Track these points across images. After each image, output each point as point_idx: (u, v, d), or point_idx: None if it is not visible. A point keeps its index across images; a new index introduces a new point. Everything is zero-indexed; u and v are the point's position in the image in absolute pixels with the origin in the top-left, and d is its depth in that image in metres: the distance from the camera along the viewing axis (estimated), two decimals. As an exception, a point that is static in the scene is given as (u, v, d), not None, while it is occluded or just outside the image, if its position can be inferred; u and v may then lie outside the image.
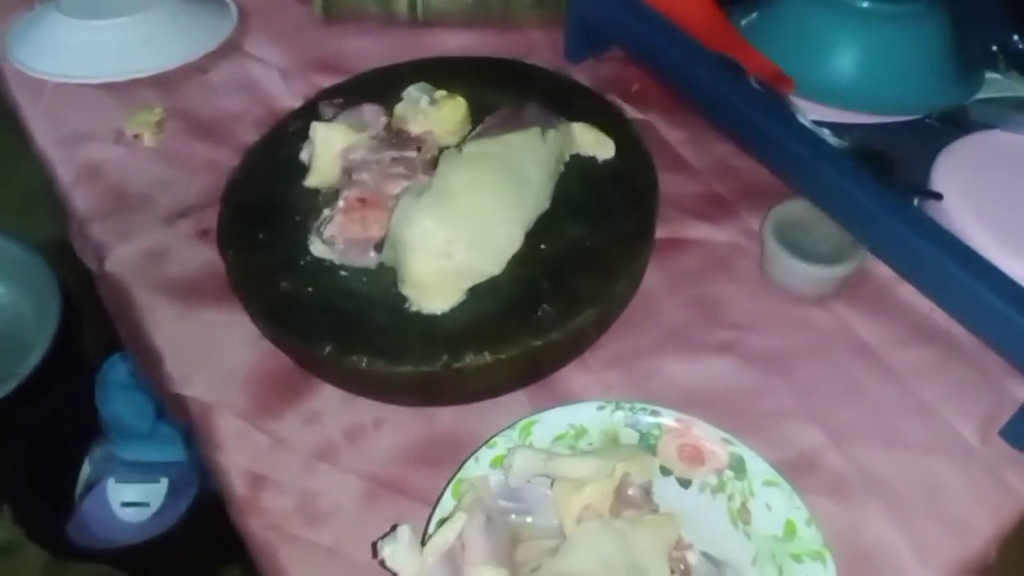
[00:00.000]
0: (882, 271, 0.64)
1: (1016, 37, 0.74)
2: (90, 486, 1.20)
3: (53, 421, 1.24)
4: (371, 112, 0.67)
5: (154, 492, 1.19)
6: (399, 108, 0.67)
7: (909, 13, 0.69)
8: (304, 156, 0.66)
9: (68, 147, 0.76)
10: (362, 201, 0.61)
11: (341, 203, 0.61)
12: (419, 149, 0.64)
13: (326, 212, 0.62)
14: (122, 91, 0.80)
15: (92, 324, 1.32)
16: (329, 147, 0.63)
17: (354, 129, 0.64)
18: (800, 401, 0.58)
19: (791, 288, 0.64)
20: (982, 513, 0.52)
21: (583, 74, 0.82)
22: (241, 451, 0.56)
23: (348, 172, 0.63)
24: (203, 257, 0.66)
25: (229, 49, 0.86)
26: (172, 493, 1.16)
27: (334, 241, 0.60)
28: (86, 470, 1.23)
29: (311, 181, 0.64)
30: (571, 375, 0.60)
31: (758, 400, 0.58)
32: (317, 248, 0.60)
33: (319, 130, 0.63)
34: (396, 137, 0.65)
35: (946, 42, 0.71)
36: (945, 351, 0.60)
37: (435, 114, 0.66)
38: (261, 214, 0.63)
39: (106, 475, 1.20)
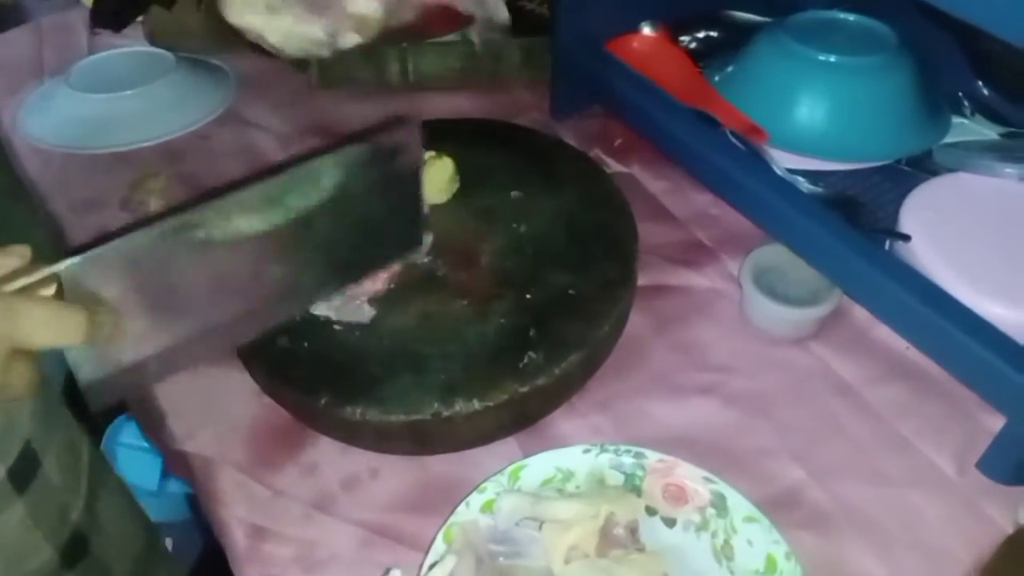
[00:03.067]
0: (858, 312, 0.66)
1: (980, 83, 0.77)
2: (97, 547, 1.21)
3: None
4: (363, 173, 0.69)
5: (159, 551, 1.19)
6: (390, 169, 0.70)
7: (875, 65, 0.72)
8: (300, 217, 0.69)
9: (78, 213, 0.79)
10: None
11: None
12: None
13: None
14: (128, 159, 0.84)
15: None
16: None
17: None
18: (781, 439, 0.60)
19: (770, 330, 0.66)
20: (961, 543, 0.53)
21: (568, 130, 0.85)
22: (241, 504, 0.58)
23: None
24: (204, 316, 0.68)
25: (229, 117, 0.90)
26: (176, 552, 1.17)
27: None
28: (93, 531, 1.24)
29: (307, 241, 0.67)
30: (560, 420, 0.61)
31: (741, 439, 0.60)
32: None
33: (314, 192, 0.66)
34: (387, 196, 0.68)
35: (913, 91, 0.73)
36: (920, 387, 0.62)
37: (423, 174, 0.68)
38: (259, 273, 0.65)
39: (112, 535, 1.20)
